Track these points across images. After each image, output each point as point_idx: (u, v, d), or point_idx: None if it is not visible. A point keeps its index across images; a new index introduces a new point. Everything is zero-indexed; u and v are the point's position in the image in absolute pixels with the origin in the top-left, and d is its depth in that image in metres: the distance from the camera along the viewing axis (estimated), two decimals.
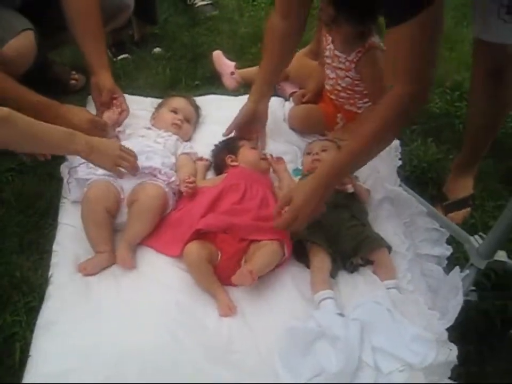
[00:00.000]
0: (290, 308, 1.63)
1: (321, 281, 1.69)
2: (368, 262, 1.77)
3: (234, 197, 1.83)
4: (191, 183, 1.88)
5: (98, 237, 1.73)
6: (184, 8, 3.36)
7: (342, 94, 2.27)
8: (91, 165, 1.80)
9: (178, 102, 2.23)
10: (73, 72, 2.64)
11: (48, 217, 1.91)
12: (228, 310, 1.60)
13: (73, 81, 2.62)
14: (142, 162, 1.82)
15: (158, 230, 1.80)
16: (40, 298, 1.63)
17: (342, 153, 1.69)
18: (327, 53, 2.23)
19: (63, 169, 1.95)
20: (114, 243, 1.75)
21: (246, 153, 2.04)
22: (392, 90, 1.57)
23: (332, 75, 2.26)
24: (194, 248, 1.66)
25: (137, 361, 1.44)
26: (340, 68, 2.20)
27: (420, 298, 1.64)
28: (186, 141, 2.18)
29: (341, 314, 1.57)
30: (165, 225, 1.81)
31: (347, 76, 2.20)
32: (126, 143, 1.91)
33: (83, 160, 1.80)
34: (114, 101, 2.12)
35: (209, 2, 3.35)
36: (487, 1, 1.74)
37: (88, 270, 1.67)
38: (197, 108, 2.30)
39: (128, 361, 1.44)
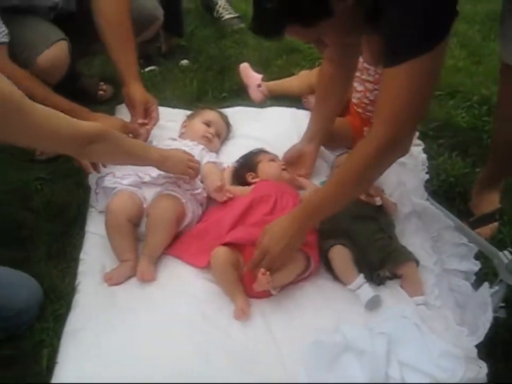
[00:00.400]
0: (316, 320, 1.61)
1: (348, 268, 1.71)
2: (395, 276, 1.75)
3: (265, 208, 1.82)
4: (227, 190, 1.90)
5: (121, 245, 1.75)
6: (210, 21, 3.40)
7: (369, 108, 2.26)
8: (117, 175, 1.84)
9: (212, 115, 2.24)
10: (101, 83, 2.69)
11: (76, 226, 1.93)
12: (242, 314, 1.60)
13: (101, 92, 2.66)
14: None
15: (185, 240, 1.81)
16: (68, 306, 1.65)
17: (317, 196, 1.63)
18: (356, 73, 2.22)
19: (91, 178, 1.97)
20: (138, 252, 1.76)
21: (266, 167, 2.04)
22: (372, 134, 1.47)
23: (360, 88, 2.26)
24: (222, 251, 1.66)
25: (163, 373, 1.44)
26: (369, 81, 2.20)
27: (449, 313, 1.62)
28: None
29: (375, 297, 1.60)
30: (192, 235, 1.82)
31: (375, 89, 2.19)
32: None
33: (110, 170, 1.85)
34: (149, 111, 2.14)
35: (235, 15, 3.39)
36: None
37: (113, 279, 1.69)
38: (228, 124, 2.30)
39: (153, 373, 1.44)
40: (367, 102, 2.25)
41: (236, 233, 1.71)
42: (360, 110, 2.31)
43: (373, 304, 1.65)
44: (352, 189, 1.56)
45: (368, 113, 2.28)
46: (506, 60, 1.80)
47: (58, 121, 1.46)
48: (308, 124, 2.17)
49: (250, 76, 2.69)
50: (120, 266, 1.72)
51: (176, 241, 1.81)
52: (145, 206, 1.82)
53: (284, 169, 2.06)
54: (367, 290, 1.66)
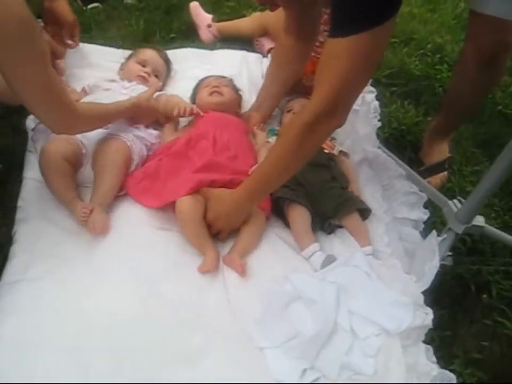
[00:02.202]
0: (266, 271, 1.58)
1: (305, 235, 1.68)
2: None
3: (206, 146, 1.77)
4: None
5: (60, 186, 1.64)
6: None
7: (320, 50, 2.18)
8: None
9: (147, 54, 2.13)
10: (39, 20, 2.49)
11: (13, 173, 1.81)
12: (208, 268, 1.55)
13: None
14: None
15: (139, 180, 1.73)
16: (4, 257, 1.55)
17: (256, 176, 1.60)
18: None
19: (29, 122, 1.85)
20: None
21: (199, 96, 2.01)
22: (310, 104, 1.43)
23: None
24: (185, 203, 1.59)
25: (103, 324, 1.38)
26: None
27: (397, 262, 1.62)
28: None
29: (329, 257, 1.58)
30: (144, 175, 1.74)
31: (325, 30, 2.11)
32: (90, 98, 1.85)
33: None
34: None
35: None
36: None
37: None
38: (168, 62, 2.20)
39: (93, 323, 1.38)
40: (317, 44, 2.17)
41: (188, 185, 1.62)
42: (313, 54, 2.23)
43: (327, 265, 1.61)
44: (291, 162, 1.52)
45: (319, 56, 2.20)
46: (473, 5, 1.75)
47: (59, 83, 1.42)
48: (259, 91, 2.09)
49: (200, 15, 2.58)
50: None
51: (129, 180, 1.73)
52: (84, 151, 1.72)
53: (214, 92, 1.99)
54: (320, 258, 1.62)
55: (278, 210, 1.75)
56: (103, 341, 1.36)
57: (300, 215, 1.71)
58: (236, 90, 2.07)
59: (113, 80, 2.03)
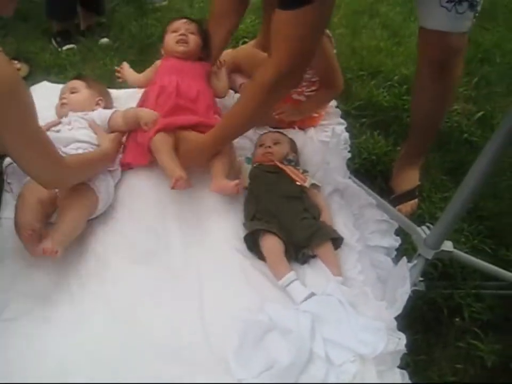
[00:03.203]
0: (240, 301, 1.61)
1: (281, 264, 1.70)
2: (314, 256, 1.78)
3: (169, 93, 1.98)
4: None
5: (26, 218, 1.63)
6: None
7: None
8: None
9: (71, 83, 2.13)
10: (15, 61, 2.54)
11: None
12: (180, 181, 1.72)
13: None
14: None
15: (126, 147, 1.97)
16: None
17: (218, 126, 1.86)
18: None
19: (5, 163, 1.86)
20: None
21: (166, 40, 2.18)
22: (269, 64, 1.66)
23: None
24: (159, 136, 1.83)
25: (84, 364, 1.41)
26: None
27: (368, 289, 1.65)
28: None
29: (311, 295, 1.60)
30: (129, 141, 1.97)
31: None
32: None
33: None
34: None
35: None
36: None
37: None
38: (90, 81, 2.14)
39: (75, 364, 1.41)
40: None
41: (157, 126, 1.85)
42: None
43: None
44: (254, 115, 1.80)
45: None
46: (422, 22, 1.88)
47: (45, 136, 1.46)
48: None
49: None
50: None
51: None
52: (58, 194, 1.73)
53: (179, 41, 2.13)
54: (299, 289, 1.64)
55: (252, 244, 1.78)
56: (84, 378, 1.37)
57: (273, 245, 1.73)
58: (203, 34, 2.18)
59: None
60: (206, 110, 2.00)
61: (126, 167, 1.94)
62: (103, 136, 1.90)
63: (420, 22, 1.90)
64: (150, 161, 1.90)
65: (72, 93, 2.05)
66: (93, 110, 2.01)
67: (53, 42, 2.83)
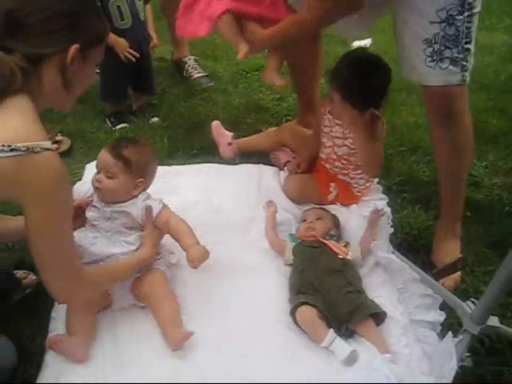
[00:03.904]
0: (289, 376, 1.63)
1: (318, 328, 1.73)
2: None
3: None
4: None
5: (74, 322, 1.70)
6: (180, 80, 3.50)
7: (337, 164, 2.34)
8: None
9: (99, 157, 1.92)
10: (58, 133, 2.72)
11: None
12: (241, 51, 1.91)
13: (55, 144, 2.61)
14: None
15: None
16: (38, 366, 1.64)
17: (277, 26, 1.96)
18: (325, 122, 2.32)
19: None
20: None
21: None
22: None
23: (329, 143, 2.33)
24: (225, 17, 1.91)
25: None
26: (338, 137, 2.28)
27: (415, 364, 1.65)
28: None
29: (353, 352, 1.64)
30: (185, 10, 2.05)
31: (344, 145, 2.27)
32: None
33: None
34: None
35: (204, 74, 3.50)
36: (411, 48, 1.92)
37: (56, 347, 1.64)
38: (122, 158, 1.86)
39: None
40: (335, 157, 2.33)
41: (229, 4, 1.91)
42: (327, 166, 2.38)
43: (351, 360, 1.67)
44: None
45: (335, 169, 2.36)
46: (418, 79, 1.98)
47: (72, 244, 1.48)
48: None
49: (222, 134, 2.72)
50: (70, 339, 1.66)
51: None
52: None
53: None
54: (342, 346, 1.69)
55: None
56: None
57: (306, 313, 1.77)
58: None
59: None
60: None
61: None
62: (150, 236, 1.84)
63: (406, 74, 2.02)
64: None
65: (108, 178, 1.84)
66: (131, 196, 1.88)
67: (107, 122, 3.02)
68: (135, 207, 1.86)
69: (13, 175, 1.25)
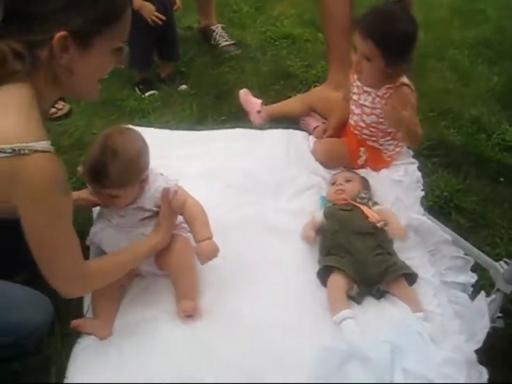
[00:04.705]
0: (318, 329, 1.66)
1: (338, 301, 1.74)
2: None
3: None
4: None
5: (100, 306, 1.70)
6: (208, 48, 3.49)
7: (365, 131, 2.34)
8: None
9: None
10: (61, 102, 2.72)
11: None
12: None
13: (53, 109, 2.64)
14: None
15: None
16: None
17: None
18: (354, 90, 2.31)
19: None
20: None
21: None
22: None
23: (357, 111, 2.33)
24: None
25: None
26: (366, 105, 2.27)
27: (447, 323, 1.66)
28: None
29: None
30: None
31: (373, 113, 2.27)
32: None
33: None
34: None
35: (232, 42, 3.48)
36: None
37: (80, 327, 1.65)
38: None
39: None
40: (363, 125, 2.33)
41: None
42: (356, 132, 2.38)
43: None
44: None
45: (364, 136, 2.35)
46: None
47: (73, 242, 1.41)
48: None
49: (250, 101, 2.72)
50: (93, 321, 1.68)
51: None
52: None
53: None
54: (351, 329, 1.66)
55: (324, 280, 1.83)
56: None
57: (337, 282, 1.78)
58: None
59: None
60: None
61: None
62: (165, 219, 1.73)
63: None
64: None
65: (114, 197, 1.69)
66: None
67: (136, 90, 3.04)
68: (145, 199, 1.75)
69: (3, 175, 1.23)
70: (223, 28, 3.54)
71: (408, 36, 2.09)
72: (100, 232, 1.80)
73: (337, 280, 1.78)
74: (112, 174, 1.60)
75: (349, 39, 2.27)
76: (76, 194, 1.82)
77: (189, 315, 1.68)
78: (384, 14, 2.13)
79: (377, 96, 2.22)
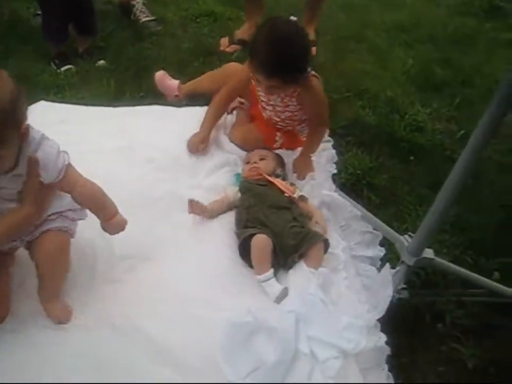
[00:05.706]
0: (228, 304, 1.68)
1: (263, 261, 1.78)
2: (302, 256, 1.84)
3: None
4: None
5: None
6: (128, 23, 3.42)
7: (281, 124, 2.38)
8: None
9: None
10: None
11: None
12: None
13: None
14: None
15: None
16: None
17: None
18: (260, 93, 2.32)
19: None
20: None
21: None
22: None
23: (269, 108, 2.35)
24: None
25: None
26: (278, 105, 2.31)
27: (352, 293, 1.74)
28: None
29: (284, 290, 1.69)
30: None
31: (286, 110, 2.31)
32: None
33: None
34: None
35: (152, 18, 3.42)
36: None
37: None
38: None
39: None
40: (278, 119, 2.37)
41: None
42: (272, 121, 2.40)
43: (282, 298, 1.72)
44: None
45: (280, 125, 2.40)
46: None
47: None
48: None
49: (167, 86, 2.65)
50: None
51: None
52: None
53: None
54: (274, 285, 1.74)
55: (244, 251, 1.85)
56: None
57: (263, 243, 1.81)
58: None
59: None
60: None
61: None
62: (31, 193, 1.47)
63: None
64: None
65: None
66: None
67: (52, 64, 2.93)
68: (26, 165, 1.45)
69: None
70: (144, 4, 3.47)
71: (306, 55, 2.07)
72: None
73: (261, 241, 1.81)
74: None
75: None
76: None
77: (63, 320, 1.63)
78: (278, 45, 2.01)
79: (286, 95, 2.25)
